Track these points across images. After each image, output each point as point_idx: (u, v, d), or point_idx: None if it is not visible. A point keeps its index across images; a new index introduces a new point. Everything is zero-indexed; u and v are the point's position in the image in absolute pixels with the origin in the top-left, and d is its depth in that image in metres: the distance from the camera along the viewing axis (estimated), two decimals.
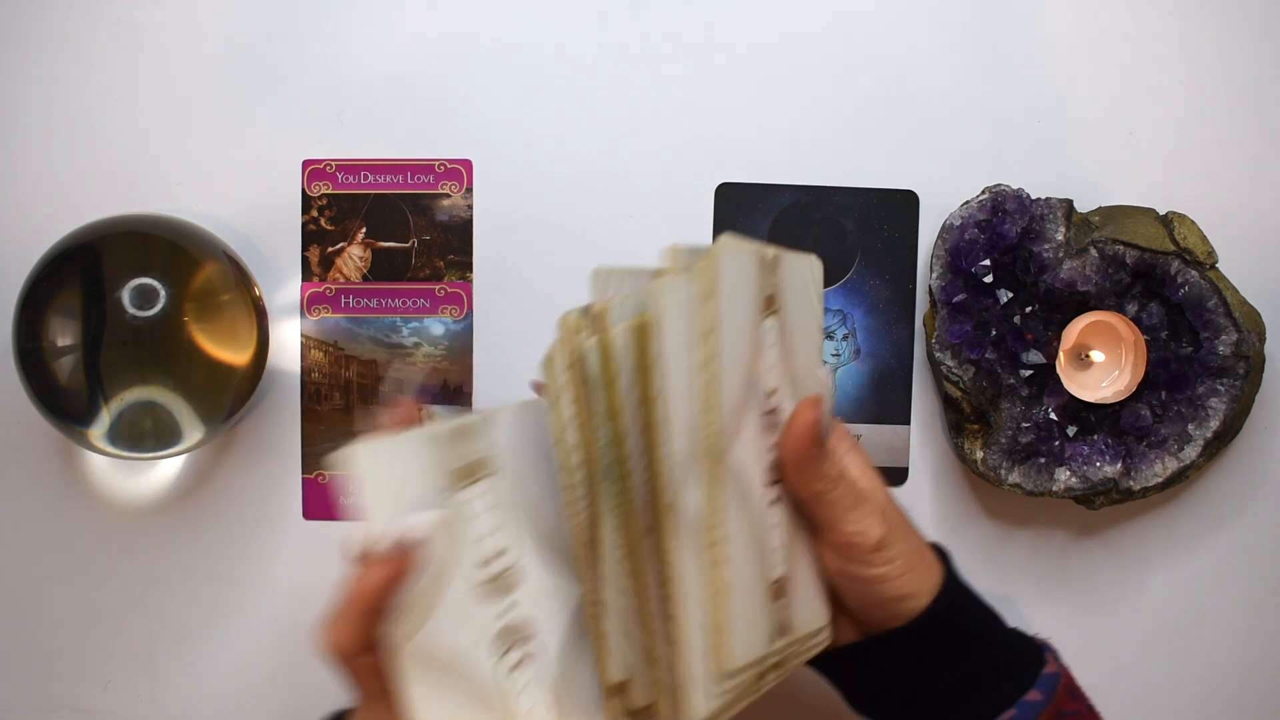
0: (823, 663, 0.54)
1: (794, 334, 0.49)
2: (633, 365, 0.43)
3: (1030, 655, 0.53)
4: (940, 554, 0.53)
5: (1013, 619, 0.66)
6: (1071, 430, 0.63)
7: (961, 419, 0.63)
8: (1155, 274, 0.61)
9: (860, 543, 0.49)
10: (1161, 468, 0.62)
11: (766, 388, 0.47)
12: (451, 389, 0.65)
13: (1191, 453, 0.62)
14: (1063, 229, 0.61)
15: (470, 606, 0.46)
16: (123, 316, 0.56)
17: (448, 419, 0.47)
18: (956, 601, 0.51)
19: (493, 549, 0.47)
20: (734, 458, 0.45)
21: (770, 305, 0.48)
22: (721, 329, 0.44)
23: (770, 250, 0.48)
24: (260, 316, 0.61)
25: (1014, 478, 0.62)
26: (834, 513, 0.49)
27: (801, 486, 0.49)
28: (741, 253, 0.46)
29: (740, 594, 0.45)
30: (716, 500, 0.44)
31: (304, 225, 0.64)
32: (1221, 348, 0.61)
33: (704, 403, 0.44)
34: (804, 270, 0.50)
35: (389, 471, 0.45)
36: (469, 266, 0.64)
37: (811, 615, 0.50)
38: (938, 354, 0.62)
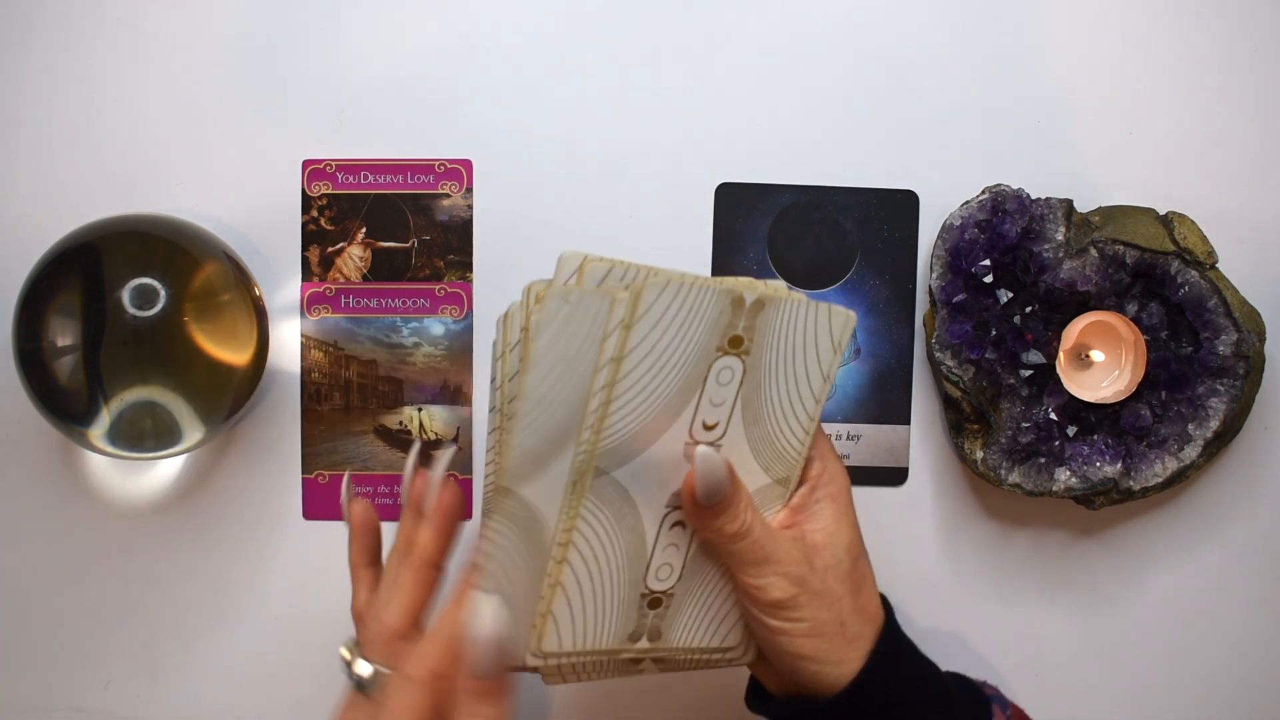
0: (766, 710, 0.54)
1: (772, 378, 0.50)
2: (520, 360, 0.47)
3: (975, 716, 0.52)
4: (885, 607, 0.52)
5: (1013, 619, 0.66)
6: (1071, 430, 0.63)
7: (961, 419, 0.63)
8: (1155, 274, 0.61)
9: (757, 597, 0.49)
10: (1161, 468, 0.62)
11: (706, 421, 0.49)
12: (451, 389, 0.65)
13: (1191, 453, 0.62)
14: (1063, 229, 0.61)
15: (675, 459, 0.49)
16: (123, 316, 0.56)
17: (730, 281, 0.49)
18: (875, 681, 0.50)
19: (713, 419, 0.50)
20: (624, 475, 0.48)
21: (737, 345, 0.49)
22: (633, 358, 0.47)
23: (754, 293, 0.48)
24: (260, 316, 0.61)
25: (1014, 478, 0.62)
26: (733, 562, 0.50)
27: (696, 530, 0.50)
28: (684, 290, 0.47)
29: (581, 593, 0.49)
30: (576, 508, 0.48)
31: (304, 225, 0.64)
32: (1221, 348, 0.61)
33: (594, 421, 0.47)
34: (814, 320, 0.50)
35: (670, 314, 0.47)
36: (469, 266, 0.64)
37: (704, 633, 0.52)
38: (938, 354, 0.62)
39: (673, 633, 0.52)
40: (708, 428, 0.49)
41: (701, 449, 0.48)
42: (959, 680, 0.54)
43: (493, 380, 0.50)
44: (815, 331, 0.50)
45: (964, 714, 0.52)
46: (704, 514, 0.49)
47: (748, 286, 0.49)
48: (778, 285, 0.50)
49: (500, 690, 0.45)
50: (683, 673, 0.55)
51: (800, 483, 0.52)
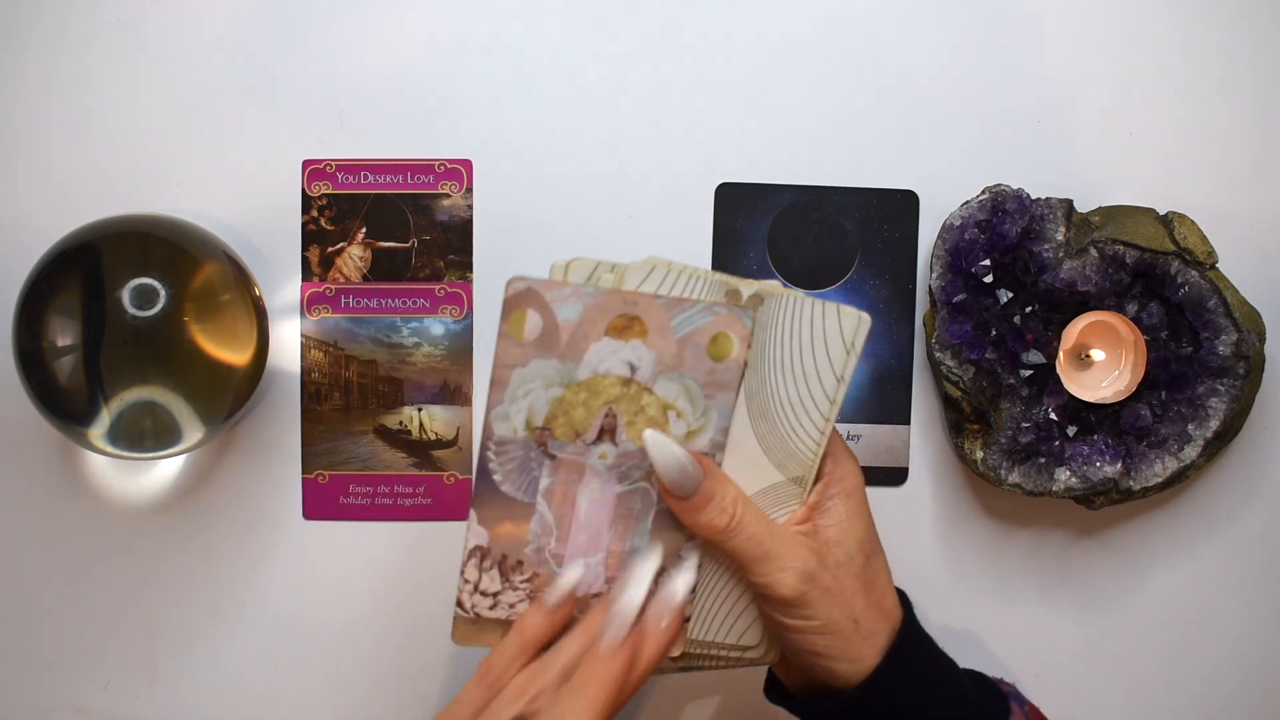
0: (784, 703, 0.54)
1: (778, 374, 0.50)
2: None
3: (991, 715, 0.52)
4: (904, 604, 0.52)
5: (1013, 619, 0.66)
6: (1071, 430, 0.63)
7: (961, 419, 0.63)
8: (1155, 274, 0.61)
9: (765, 594, 0.49)
10: (1161, 468, 0.62)
11: None
12: (451, 389, 0.65)
13: (1191, 453, 0.62)
14: (1063, 229, 0.61)
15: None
16: (123, 316, 0.56)
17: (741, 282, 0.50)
18: (889, 680, 0.50)
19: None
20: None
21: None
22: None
23: (750, 287, 0.49)
24: (260, 316, 0.61)
25: (1014, 478, 0.62)
26: (735, 560, 0.49)
27: (687, 526, 0.50)
28: (672, 276, 0.49)
29: None
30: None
31: (304, 225, 0.64)
32: (1221, 348, 0.61)
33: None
34: (822, 318, 0.50)
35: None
36: (469, 266, 0.64)
37: (721, 628, 0.52)
38: (938, 354, 0.62)
39: (687, 626, 0.52)
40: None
41: (649, 432, 0.48)
42: (976, 677, 0.54)
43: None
44: (824, 330, 0.50)
45: (981, 712, 0.52)
46: (685, 508, 0.49)
47: (743, 281, 0.50)
48: (773, 284, 0.50)
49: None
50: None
51: (815, 480, 0.52)
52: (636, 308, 0.48)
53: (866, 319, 0.50)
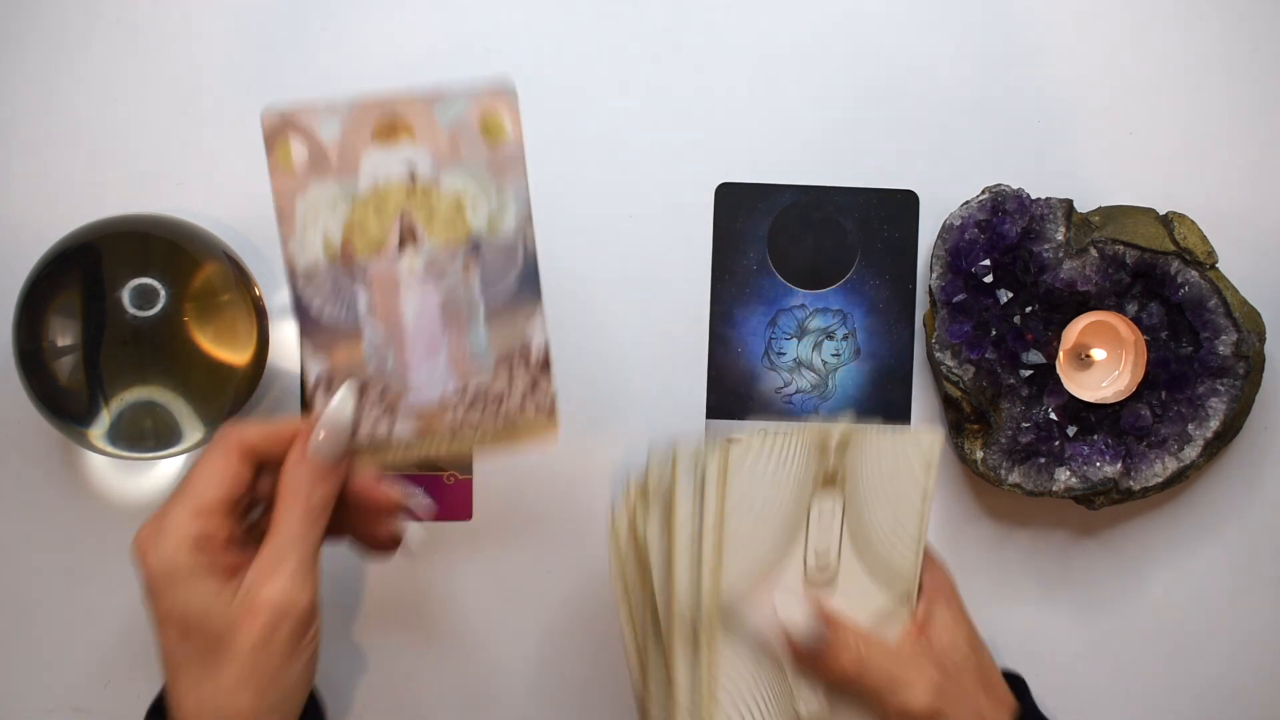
0: None
1: (873, 509, 0.52)
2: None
3: None
4: (1018, 689, 0.54)
5: (1013, 619, 0.66)
6: (1071, 430, 0.63)
7: (961, 419, 0.63)
8: (1155, 274, 0.61)
9: (903, 716, 0.50)
10: (1161, 468, 0.62)
11: (818, 560, 0.51)
12: None
13: (1191, 453, 0.62)
14: (1063, 229, 0.61)
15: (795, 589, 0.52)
16: (123, 316, 0.56)
17: (816, 425, 0.51)
18: None
19: (825, 549, 0.51)
20: (752, 620, 0.50)
21: (830, 481, 0.51)
22: (732, 513, 0.50)
23: (839, 432, 0.50)
24: (260, 316, 0.61)
25: (1014, 478, 0.62)
26: (869, 692, 0.50)
27: (819, 678, 0.51)
28: (763, 450, 0.50)
29: None
30: (713, 658, 0.50)
31: None
32: (1221, 348, 0.61)
33: (709, 571, 0.50)
34: (901, 449, 0.51)
35: (760, 470, 0.50)
36: None
37: None
38: (938, 354, 0.62)
39: None
40: (821, 568, 0.51)
41: (777, 603, 0.49)
42: None
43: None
44: (908, 458, 0.52)
45: None
46: (814, 660, 0.50)
47: (829, 429, 0.51)
48: (846, 425, 0.52)
49: (338, 475, 0.48)
50: None
51: (918, 594, 0.53)
52: (394, 108, 0.48)
53: (939, 434, 0.52)
